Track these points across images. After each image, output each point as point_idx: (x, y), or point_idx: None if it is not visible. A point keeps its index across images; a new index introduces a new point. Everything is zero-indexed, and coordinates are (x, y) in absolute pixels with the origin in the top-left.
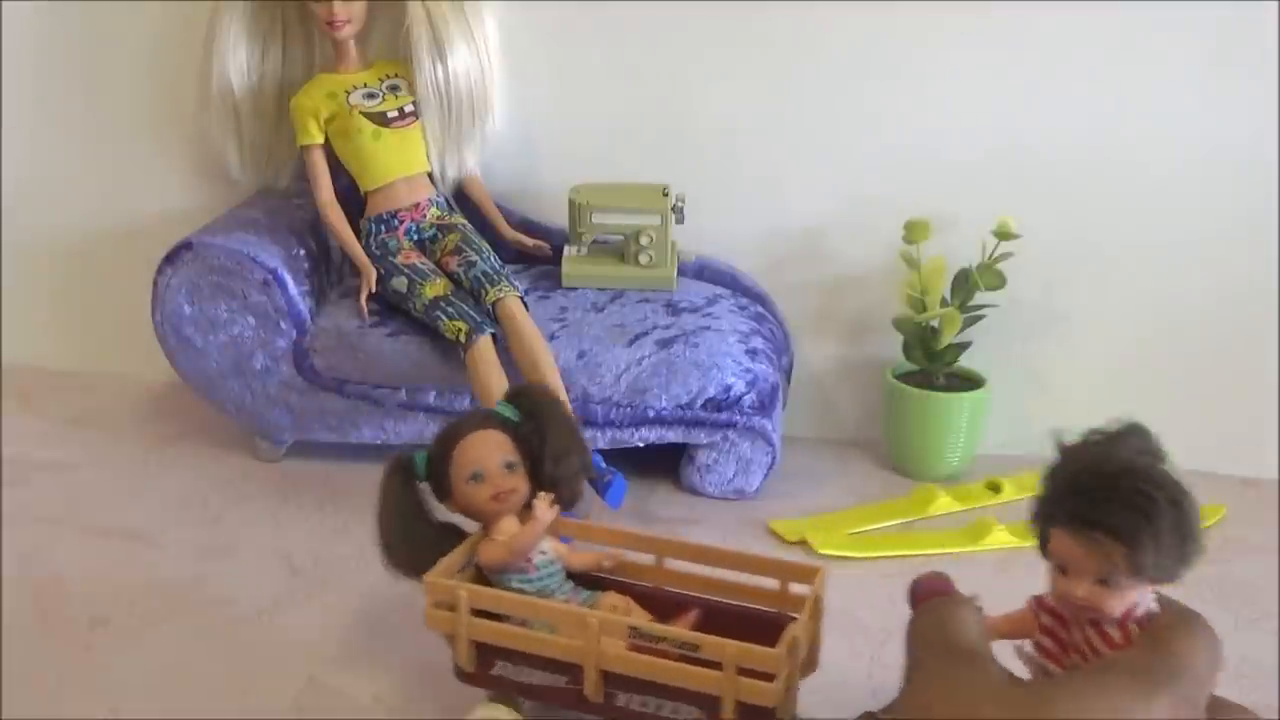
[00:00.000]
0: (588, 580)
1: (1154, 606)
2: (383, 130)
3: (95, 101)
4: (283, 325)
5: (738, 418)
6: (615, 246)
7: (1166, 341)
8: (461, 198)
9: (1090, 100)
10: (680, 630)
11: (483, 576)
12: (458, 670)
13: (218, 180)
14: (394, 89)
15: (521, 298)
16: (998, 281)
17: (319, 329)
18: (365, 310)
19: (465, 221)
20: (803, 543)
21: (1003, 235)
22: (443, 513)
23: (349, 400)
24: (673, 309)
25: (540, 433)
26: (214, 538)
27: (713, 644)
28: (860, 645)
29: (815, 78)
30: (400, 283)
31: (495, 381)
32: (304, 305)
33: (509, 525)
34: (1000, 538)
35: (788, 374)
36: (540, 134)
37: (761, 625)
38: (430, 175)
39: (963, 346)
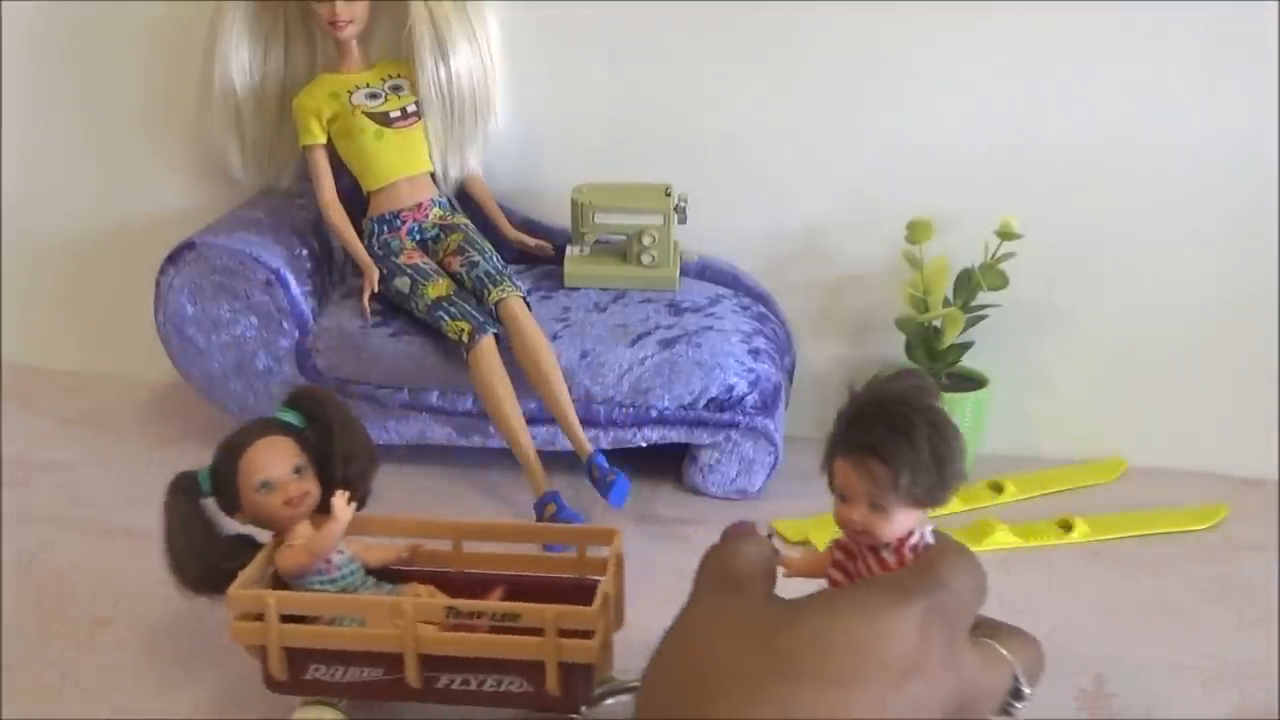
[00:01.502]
0: (388, 575)
1: (930, 539)
2: (385, 130)
3: (96, 102)
4: (285, 325)
5: (740, 418)
6: (618, 246)
7: (1167, 341)
8: (464, 198)
9: (1092, 100)
10: (498, 603)
11: (282, 585)
12: (269, 681)
13: (219, 180)
14: (396, 89)
15: (524, 298)
16: (1000, 281)
17: (321, 329)
18: (368, 310)
19: (468, 221)
20: (806, 543)
21: (1005, 235)
22: (234, 526)
23: (351, 400)
24: (675, 309)
25: (326, 436)
26: None
27: (532, 610)
28: None
29: (818, 78)
30: (403, 283)
31: (498, 381)
32: (306, 305)
33: (303, 530)
34: (1002, 538)
35: (790, 374)
36: (542, 134)
37: (565, 592)
38: (433, 175)
39: (965, 346)
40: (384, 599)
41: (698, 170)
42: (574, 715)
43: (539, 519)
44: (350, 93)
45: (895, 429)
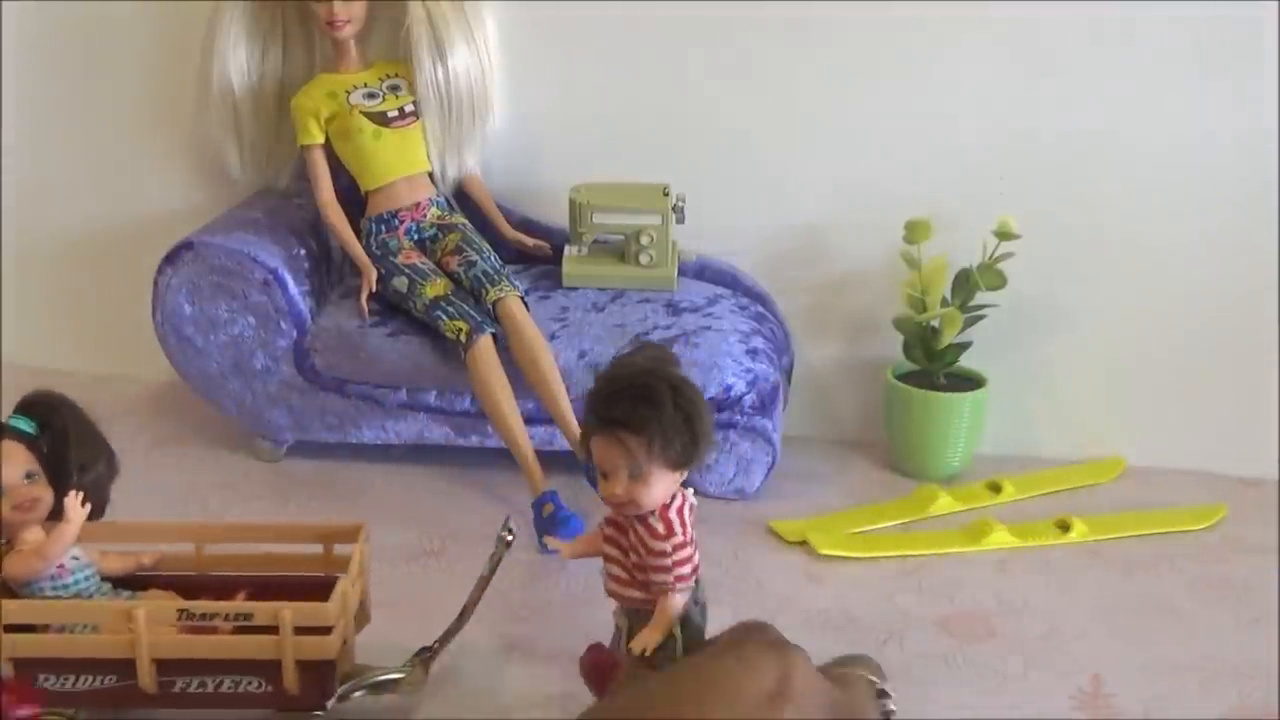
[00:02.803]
0: (128, 583)
1: (693, 500)
2: (383, 130)
3: (96, 102)
4: (283, 325)
5: (738, 417)
6: (616, 246)
7: (1167, 341)
8: (462, 197)
9: (1091, 100)
10: (232, 603)
11: (10, 593)
12: None
13: (218, 180)
14: (394, 89)
15: (522, 297)
16: (998, 281)
17: (319, 329)
18: (366, 310)
19: (465, 221)
20: (803, 543)
21: (1003, 235)
22: None
23: (349, 400)
24: (673, 309)
25: (61, 443)
26: None
27: (266, 609)
28: (861, 645)
29: (816, 77)
30: (401, 282)
31: (496, 381)
32: (304, 305)
33: (34, 536)
34: (1001, 538)
35: (788, 374)
36: (540, 133)
37: (312, 590)
38: (430, 175)
39: (963, 346)
40: (113, 603)
41: (696, 170)
42: (318, 712)
43: (537, 519)
44: (348, 93)
45: (639, 398)
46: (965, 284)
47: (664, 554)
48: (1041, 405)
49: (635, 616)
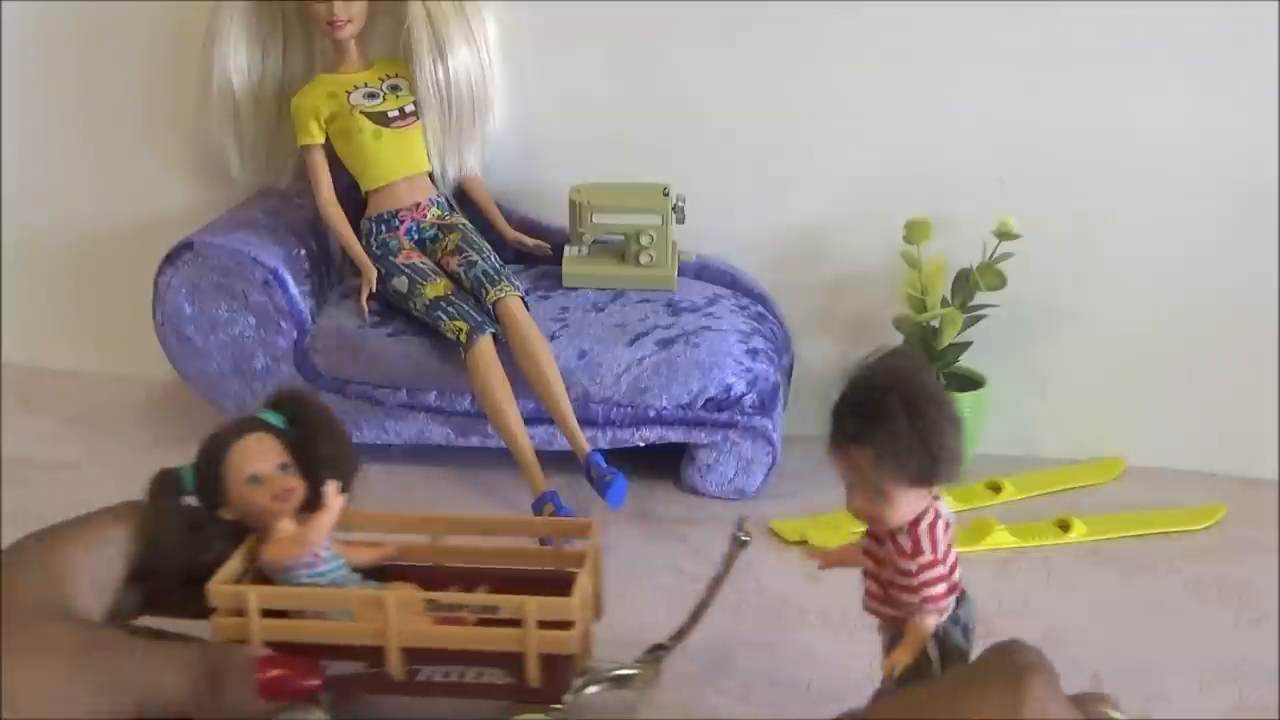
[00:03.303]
0: (372, 574)
1: (949, 517)
2: (383, 130)
3: (95, 102)
4: (283, 325)
5: (738, 417)
6: (616, 246)
7: (1166, 341)
8: (462, 197)
9: (1091, 100)
10: (477, 596)
11: (263, 580)
12: None
13: (218, 180)
14: (394, 89)
15: (522, 298)
16: (998, 281)
17: (320, 329)
18: (365, 310)
19: (466, 221)
20: (804, 542)
21: (1003, 235)
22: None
23: (350, 400)
24: (673, 309)
25: (310, 438)
26: None
27: (511, 602)
28: (860, 645)
29: (816, 77)
30: (401, 283)
31: (496, 381)
32: (304, 305)
33: (286, 527)
34: (1001, 538)
35: (788, 373)
36: (541, 134)
37: (544, 585)
38: (431, 175)
39: (963, 346)
40: (364, 591)
41: (696, 170)
42: (556, 705)
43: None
44: (348, 93)
45: (869, 414)
46: (965, 284)
47: (910, 573)
48: (1041, 405)
49: (893, 634)
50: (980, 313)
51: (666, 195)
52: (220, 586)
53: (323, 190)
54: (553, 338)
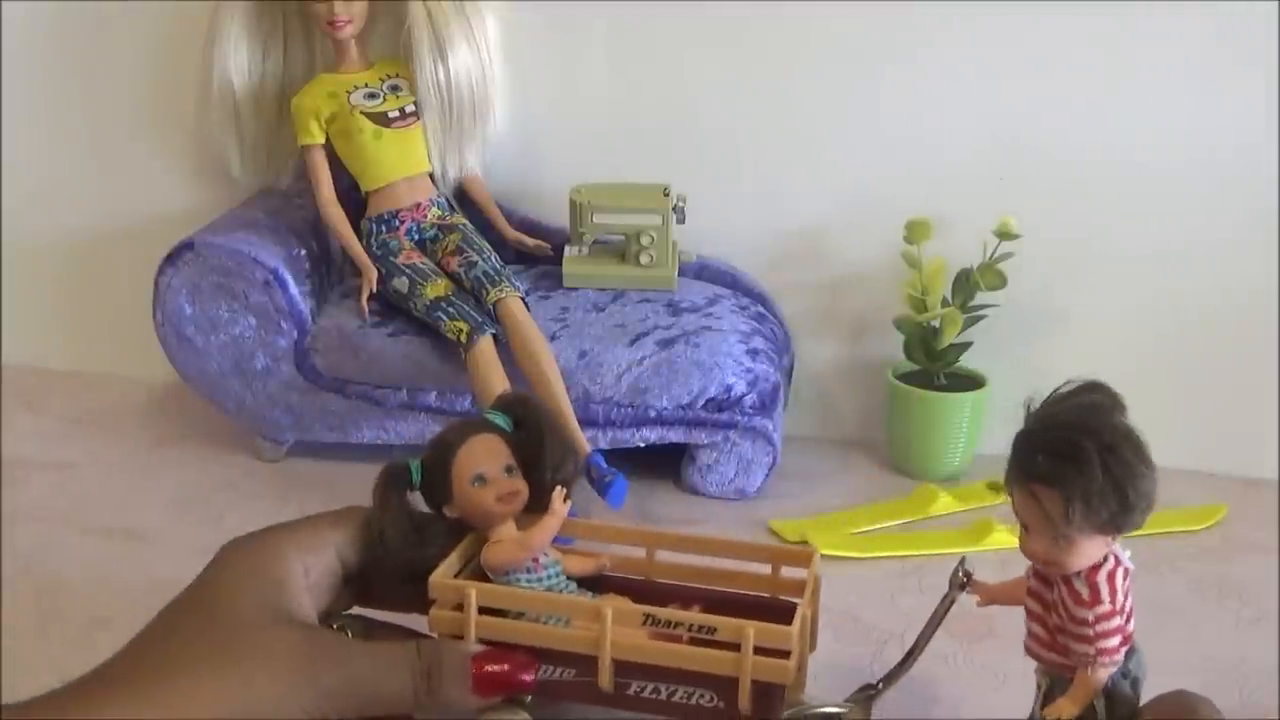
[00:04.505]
0: (588, 583)
1: (1128, 564)
2: (384, 130)
3: (96, 101)
4: (284, 325)
5: (739, 418)
6: (616, 247)
7: (1167, 341)
8: (462, 198)
9: (1092, 99)
10: (695, 615)
11: (481, 579)
12: None
13: (218, 180)
14: (395, 89)
15: (523, 298)
16: (999, 281)
17: (320, 329)
18: (366, 310)
19: (466, 222)
20: (803, 543)
21: (1004, 235)
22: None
23: (350, 400)
24: (674, 309)
25: (536, 441)
26: (215, 538)
27: (729, 625)
28: (860, 645)
29: (816, 77)
30: (401, 283)
31: (496, 382)
32: (305, 305)
33: (508, 530)
34: (1001, 538)
35: (789, 374)
36: (541, 134)
37: (759, 610)
38: (431, 175)
39: (964, 346)
40: (582, 599)
41: (696, 170)
42: None
43: None
44: (349, 93)
45: (1062, 456)
46: (965, 284)
47: (1086, 623)
48: None
49: (1055, 679)
50: (981, 313)
51: (667, 195)
52: (442, 580)
53: (323, 190)
54: (553, 338)
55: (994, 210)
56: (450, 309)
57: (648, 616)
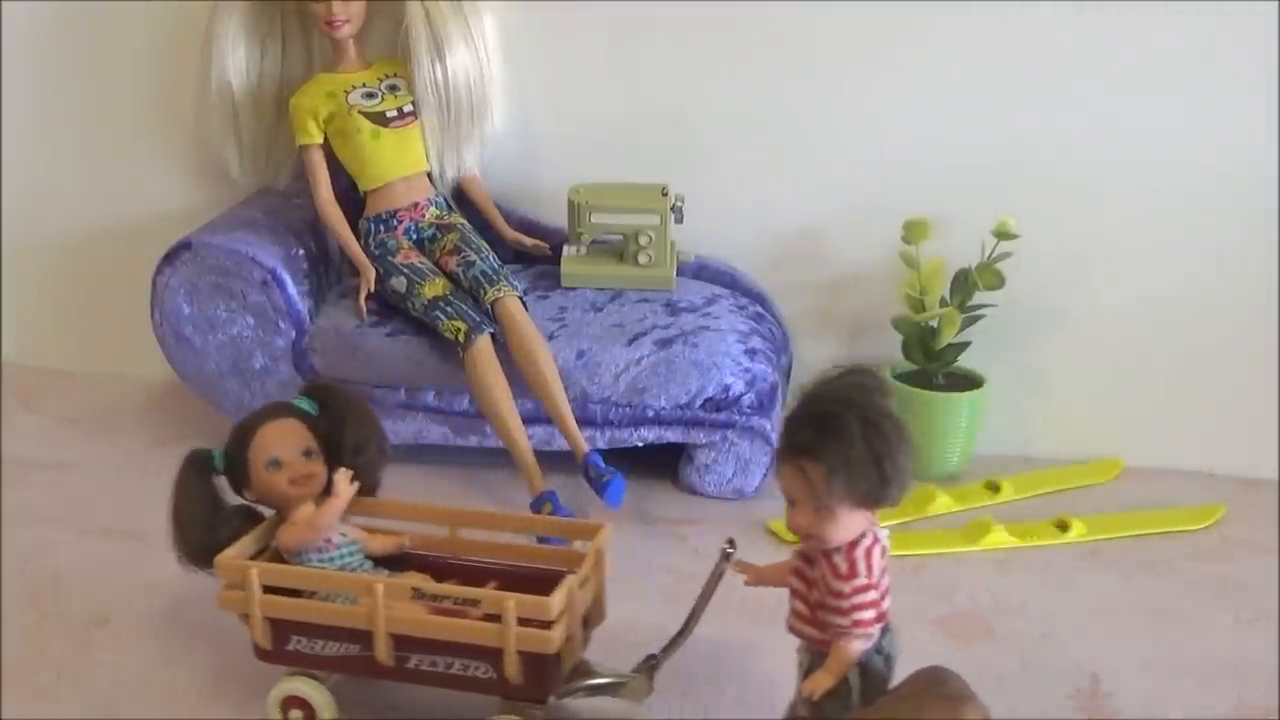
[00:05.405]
0: (391, 563)
1: (885, 542)
2: (381, 130)
3: (95, 102)
4: (282, 325)
5: (736, 417)
6: (614, 246)
7: (1166, 341)
8: (461, 197)
9: (1089, 100)
10: (458, 588)
11: (282, 560)
12: (256, 649)
13: (217, 180)
14: (393, 89)
15: (520, 297)
16: (997, 281)
17: (318, 329)
18: (364, 310)
19: (464, 221)
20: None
21: (1002, 235)
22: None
23: None
24: (672, 309)
25: (338, 425)
26: None
27: (491, 598)
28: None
29: (814, 78)
30: (399, 282)
31: (494, 381)
32: (303, 305)
33: (306, 511)
34: (999, 537)
35: (787, 374)
36: (539, 134)
37: (551, 584)
38: (429, 175)
39: (962, 346)
40: (354, 576)
41: (694, 170)
42: (537, 706)
43: None
44: (347, 92)
45: (825, 428)
46: (964, 284)
47: (842, 595)
48: (1040, 405)
49: (815, 655)
50: (979, 313)
51: (665, 195)
52: (227, 561)
53: (321, 190)
54: (551, 338)
55: (992, 210)
56: (448, 308)
57: (417, 590)
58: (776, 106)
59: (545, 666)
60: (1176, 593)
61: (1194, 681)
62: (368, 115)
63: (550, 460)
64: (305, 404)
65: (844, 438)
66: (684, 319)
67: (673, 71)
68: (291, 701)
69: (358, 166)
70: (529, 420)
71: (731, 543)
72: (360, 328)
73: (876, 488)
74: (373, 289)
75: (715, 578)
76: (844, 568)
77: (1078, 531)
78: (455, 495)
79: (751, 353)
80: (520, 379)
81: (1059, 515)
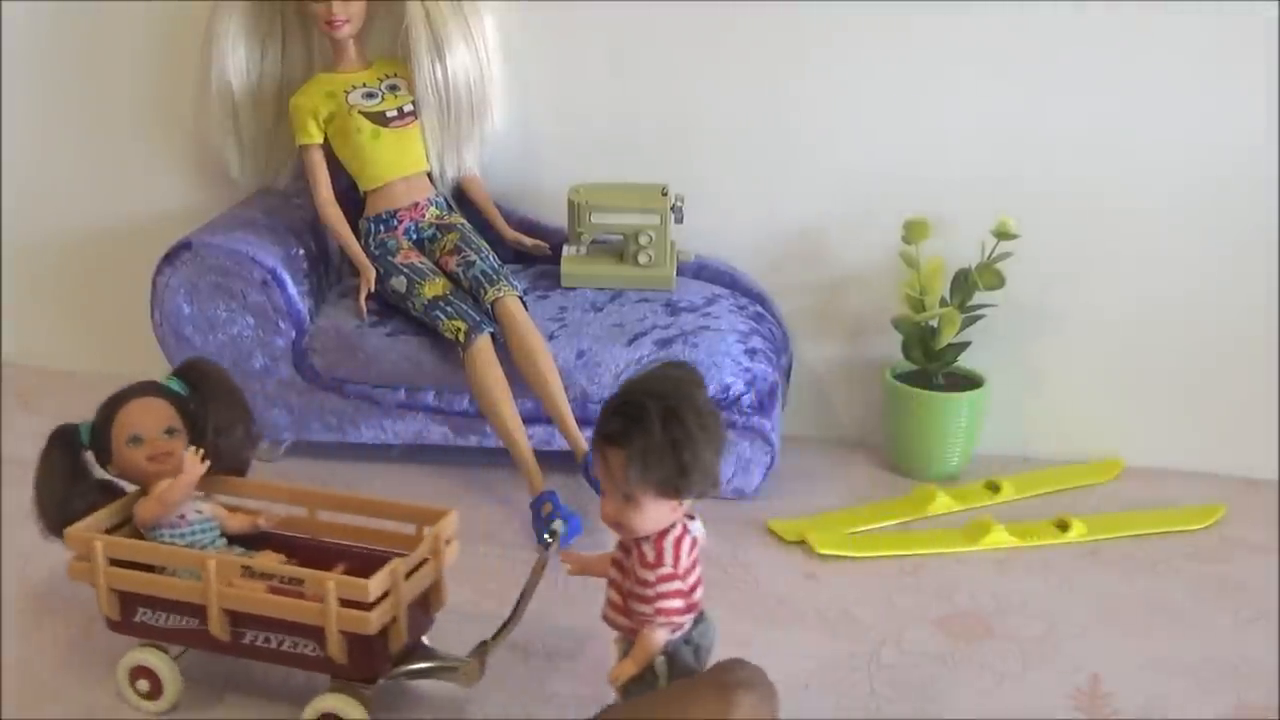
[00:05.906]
0: (248, 541)
1: (698, 534)
2: (381, 130)
3: (95, 102)
4: (282, 325)
5: (737, 417)
6: (614, 246)
7: (1166, 341)
8: (461, 197)
9: (1089, 101)
10: (285, 566)
11: (140, 534)
12: (107, 620)
13: (217, 180)
14: (393, 89)
15: (520, 297)
16: (997, 281)
17: (318, 329)
18: (364, 310)
19: (464, 221)
20: (802, 542)
21: (1002, 235)
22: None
23: (348, 400)
24: (672, 309)
25: (203, 406)
26: None
27: (314, 578)
28: (859, 645)
29: (814, 78)
30: (399, 282)
31: (494, 381)
32: (303, 305)
33: (162, 486)
34: (999, 537)
35: (787, 374)
36: (539, 134)
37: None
38: (429, 175)
39: (962, 346)
40: (189, 551)
41: (694, 170)
42: (366, 685)
43: (536, 519)
44: (347, 92)
45: (629, 417)
46: (964, 284)
47: (648, 583)
48: (1040, 405)
49: (627, 645)
50: (979, 312)
51: (665, 195)
52: (72, 532)
53: (321, 190)
54: (551, 337)
55: (992, 210)
56: (448, 308)
57: (246, 568)
58: (777, 106)
59: (370, 647)
60: (1176, 593)
61: (1194, 681)
62: (368, 115)
63: (550, 460)
64: (174, 384)
65: (644, 426)
66: (684, 319)
67: (673, 71)
68: (139, 672)
69: (358, 166)
70: (529, 420)
71: (552, 533)
72: (360, 328)
73: (674, 476)
74: (373, 289)
75: (539, 567)
76: (651, 556)
77: (1078, 531)
78: (455, 495)
79: (751, 353)
80: (520, 379)
81: (1059, 515)
